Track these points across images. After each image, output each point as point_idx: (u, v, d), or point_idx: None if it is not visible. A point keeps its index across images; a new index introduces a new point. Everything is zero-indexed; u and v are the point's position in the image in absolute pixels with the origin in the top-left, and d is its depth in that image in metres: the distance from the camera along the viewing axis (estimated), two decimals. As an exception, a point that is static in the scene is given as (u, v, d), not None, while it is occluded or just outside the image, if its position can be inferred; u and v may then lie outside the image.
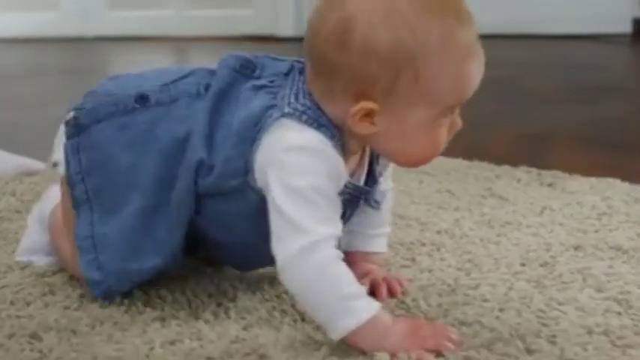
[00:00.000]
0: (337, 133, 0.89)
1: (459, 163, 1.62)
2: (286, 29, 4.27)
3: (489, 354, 0.84)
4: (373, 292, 0.98)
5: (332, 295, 0.85)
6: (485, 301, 0.97)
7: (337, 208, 0.90)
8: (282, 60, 0.95)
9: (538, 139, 1.91)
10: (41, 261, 1.11)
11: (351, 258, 0.99)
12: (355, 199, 0.96)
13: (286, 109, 0.88)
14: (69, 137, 0.99)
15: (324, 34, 0.85)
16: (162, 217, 0.95)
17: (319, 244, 0.85)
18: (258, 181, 0.89)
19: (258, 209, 0.89)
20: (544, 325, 0.90)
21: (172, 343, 0.90)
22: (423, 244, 1.17)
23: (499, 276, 1.04)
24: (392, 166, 1.02)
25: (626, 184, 1.43)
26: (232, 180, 0.91)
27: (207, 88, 0.95)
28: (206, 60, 4.07)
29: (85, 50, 4.48)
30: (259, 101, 0.90)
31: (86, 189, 0.98)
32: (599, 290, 0.99)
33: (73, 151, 0.99)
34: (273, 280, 1.02)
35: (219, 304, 0.99)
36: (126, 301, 0.99)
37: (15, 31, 4.70)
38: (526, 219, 1.26)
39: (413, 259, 1.12)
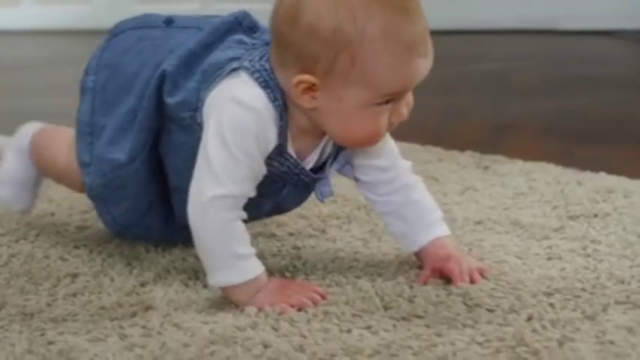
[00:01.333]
0: (281, 100, 0.95)
1: (411, 147, 1.69)
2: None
3: (348, 308, 0.92)
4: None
5: (226, 250, 0.94)
6: (369, 266, 1.05)
7: (257, 172, 0.96)
8: None
9: (503, 128, 1.97)
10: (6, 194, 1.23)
11: (422, 255, 1.03)
12: (299, 181, 1.02)
13: (245, 64, 0.96)
14: (102, 44, 1.11)
15: (281, 12, 0.93)
16: (134, 123, 1.04)
17: (230, 200, 0.93)
18: (202, 119, 0.97)
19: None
20: (410, 287, 0.98)
21: (74, 295, 1.00)
22: (338, 217, 1.25)
23: (391, 245, 1.12)
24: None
25: (557, 169, 1.49)
26: (185, 112, 0.99)
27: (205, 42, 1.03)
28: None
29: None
30: (231, 52, 0.99)
31: (95, 79, 1.09)
32: (480, 259, 1.06)
33: (99, 51, 1.10)
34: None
35: (128, 264, 1.09)
36: (46, 260, 1.10)
37: (50, 24, 4.88)
38: (446, 197, 1.33)
39: (323, 230, 1.20)
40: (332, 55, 0.91)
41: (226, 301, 0.96)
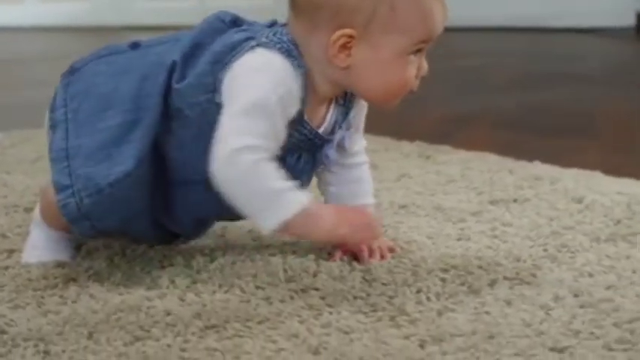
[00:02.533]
0: (304, 69, 0.97)
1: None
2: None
3: (253, 280, 0.99)
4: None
5: (263, 189, 0.95)
6: (286, 245, 1.12)
7: (278, 134, 0.97)
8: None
9: (462, 120, 2.04)
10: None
11: None
12: (312, 146, 1.04)
13: (263, 39, 0.98)
14: (61, 81, 1.07)
15: None
16: (134, 133, 1.00)
17: (251, 148, 0.94)
18: (222, 98, 0.97)
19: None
20: (317, 264, 1.04)
21: (6, 268, 1.07)
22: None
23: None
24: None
25: (496, 158, 1.55)
26: (200, 95, 0.99)
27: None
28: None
29: (114, 39, 4.71)
30: (239, 35, 1.00)
31: (66, 111, 1.04)
32: (386, 237, 1.12)
33: (63, 88, 1.06)
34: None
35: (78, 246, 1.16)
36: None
37: (51, 20, 4.97)
38: (380, 184, 1.39)
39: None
40: (372, 5, 0.95)
41: (146, 272, 1.03)
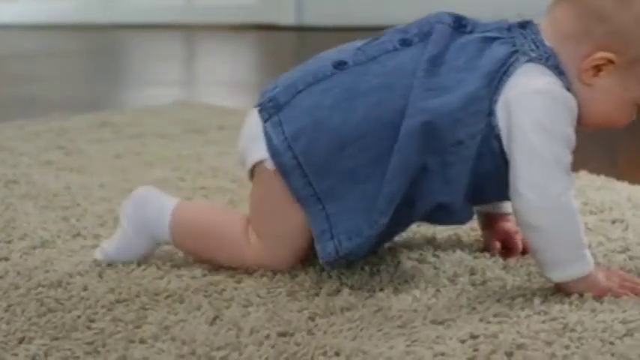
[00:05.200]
0: (568, 85, 0.94)
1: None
2: (287, 18, 4.49)
3: (168, 260, 1.05)
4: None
5: (574, 241, 0.92)
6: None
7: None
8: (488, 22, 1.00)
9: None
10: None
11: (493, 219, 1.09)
12: None
13: (533, 54, 0.94)
14: (267, 118, 0.97)
15: None
16: (381, 168, 0.93)
17: (571, 190, 0.92)
18: (500, 121, 0.92)
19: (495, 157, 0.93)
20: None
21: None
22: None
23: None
24: None
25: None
26: (479, 121, 0.92)
27: (402, 42, 0.98)
28: (213, 46, 4.35)
29: (102, 37, 4.78)
30: (502, 48, 0.94)
31: (294, 154, 0.95)
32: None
33: (274, 127, 0.97)
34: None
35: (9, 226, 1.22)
36: None
37: (38, 18, 5.06)
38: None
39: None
40: None
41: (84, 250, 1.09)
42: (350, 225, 0.94)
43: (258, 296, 0.94)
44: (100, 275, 1.02)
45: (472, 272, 1.00)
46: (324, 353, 0.81)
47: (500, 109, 0.92)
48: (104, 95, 2.72)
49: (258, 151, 0.97)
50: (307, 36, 4.30)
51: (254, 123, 0.99)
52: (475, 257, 1.05)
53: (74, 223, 1.22)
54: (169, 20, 4.78)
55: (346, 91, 0.95)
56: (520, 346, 0.81)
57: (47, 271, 1.04)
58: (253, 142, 0.98)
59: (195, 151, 1.68)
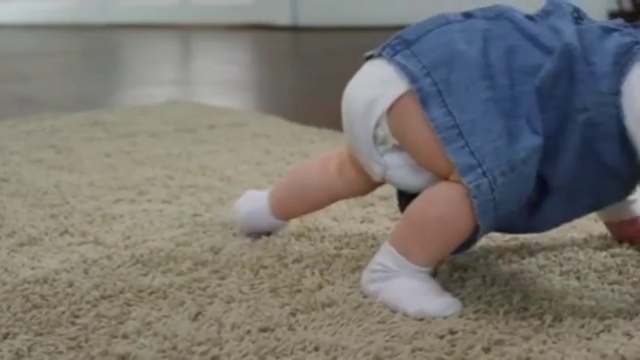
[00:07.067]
0: None
1: (308, 129, 1.83)
2: (283, 19, 4.50)
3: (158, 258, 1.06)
4: None
5: None
6: (197, 225, 1.19)
7: None
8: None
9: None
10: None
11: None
12: None
13: None
14: (395, 53, 0.94)
15: None
16: (520, 109, 0.92)
17: None
18: (624, 102, 0.92)
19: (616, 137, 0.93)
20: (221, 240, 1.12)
21: None
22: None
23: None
24: None
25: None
26: (607, 99, 0.92)
27: (526, 17, 0.98)
28: (208, 46, 4.36)
29: (97, 36, 4.79)
30: (625, 38, 0.95)
31: (434, 81, 0.92)
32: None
33: (406, 58, 0.94)
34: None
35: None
36: None
37: (34, 18, 5.07)
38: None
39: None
40: None
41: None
42: (501, 160, 0.89)
43: (241, 292, 0.95)
44: (86, 272, 1.03)
45: (453, 269, 1.01)
46: (304, 348, 0.82)
47: (626, 91, 0.92)
48: (100, 95, 2.73)
49: (396, 88, 0.93)
50: (302, 36, 4.32)
51: (378, 69, 0.95)
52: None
53: (62, 221, 1.23)
54: (165, 20, 4.79)
55: (483, 32, 0.94)
56: (498, 342, 0.82)
57: (34, 268, 1.05)
58: (385, 84, 0.94)
59: (185, 149, 1.70)
